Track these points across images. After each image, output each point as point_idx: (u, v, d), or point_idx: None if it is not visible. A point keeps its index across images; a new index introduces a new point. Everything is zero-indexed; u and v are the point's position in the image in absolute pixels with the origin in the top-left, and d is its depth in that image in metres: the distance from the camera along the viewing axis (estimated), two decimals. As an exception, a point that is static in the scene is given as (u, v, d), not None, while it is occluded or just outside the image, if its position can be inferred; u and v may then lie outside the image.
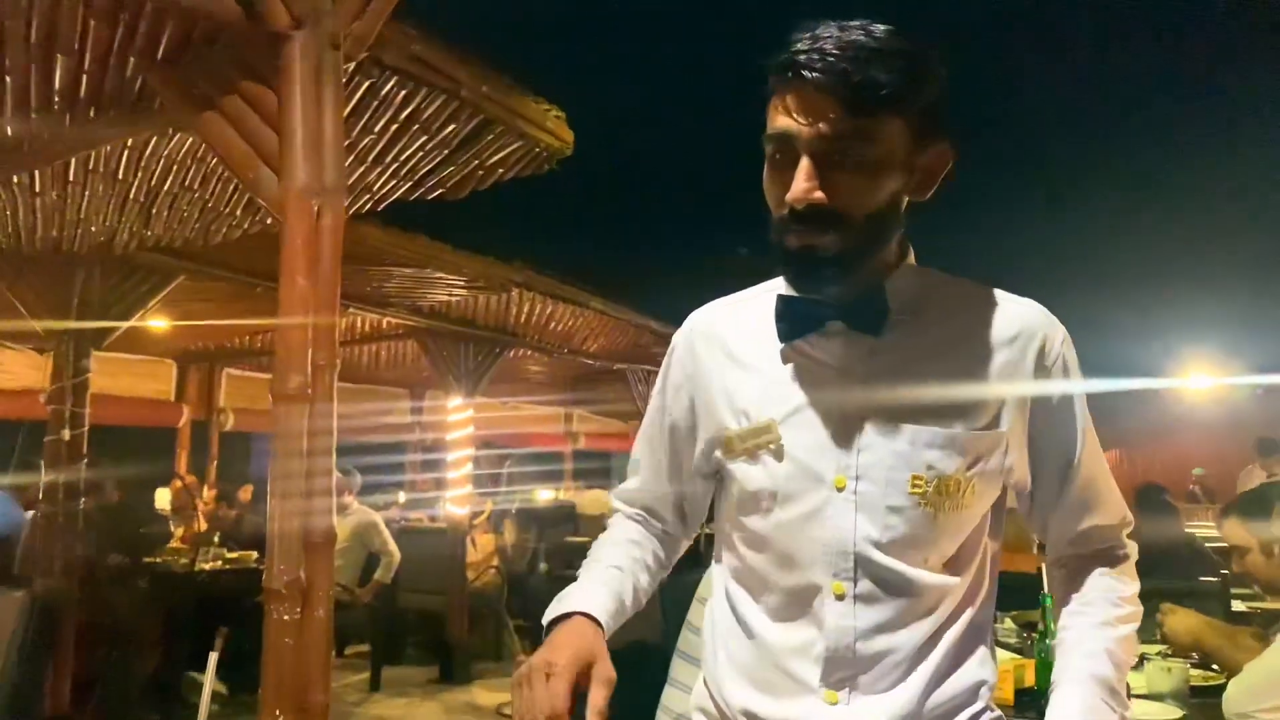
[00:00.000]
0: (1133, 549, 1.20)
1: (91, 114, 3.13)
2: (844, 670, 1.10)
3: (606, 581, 1.20)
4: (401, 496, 8.83)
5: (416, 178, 3.72)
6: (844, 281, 1.08)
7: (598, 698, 0.99)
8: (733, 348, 1.20)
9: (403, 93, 3.08)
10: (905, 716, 1.08)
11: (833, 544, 1.10)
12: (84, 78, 2.93)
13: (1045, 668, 2.24)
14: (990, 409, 1.10)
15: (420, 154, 3.53)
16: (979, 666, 1.12)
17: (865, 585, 1.10)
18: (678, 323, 1.32)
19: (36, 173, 3.77)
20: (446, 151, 3.51)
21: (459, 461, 7.14)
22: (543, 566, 7.79)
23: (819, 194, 1.03)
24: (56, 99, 3.03)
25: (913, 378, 1.10)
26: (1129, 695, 1.16)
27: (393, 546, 6.10)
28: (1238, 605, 3.68)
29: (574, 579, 1.25)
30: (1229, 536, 2.66)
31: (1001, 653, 2.40)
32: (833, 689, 1.10)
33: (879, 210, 1.06)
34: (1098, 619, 1.12)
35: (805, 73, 1.01)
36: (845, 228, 1.04)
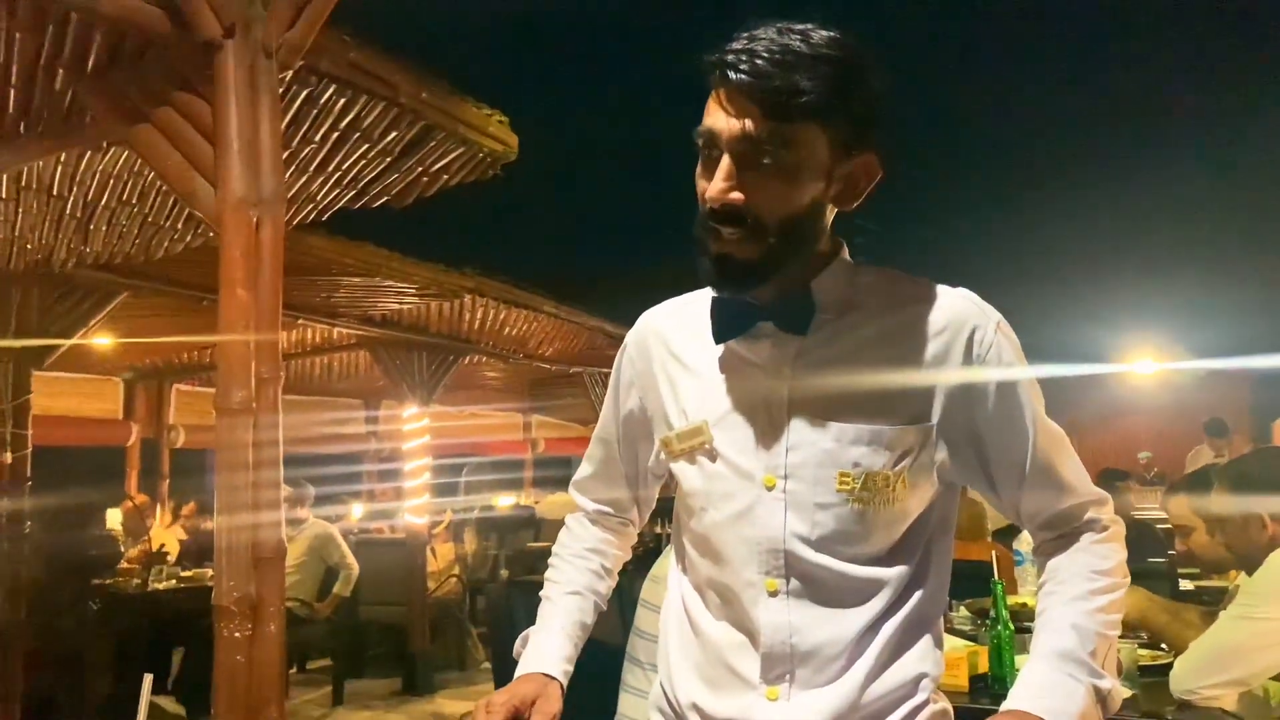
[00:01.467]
0: (1113, 521, 1.18)
1: (21, 130, 3.05)
2: (782, 666, 1.11)
3: (564, 620, 1.30)
4: (356, 508, 8.73)
5: (360, 186, 3.69)
6: (760, 286, 1.10)
7: None
8: (676, 348, 1.23)
9: (341, 100, 3.05)
10: (845, 710, 1.10)
11: (764, 542, 1.11)
12: (11, 93, 2.86)
13: (998, 654, 2.27)
14: (917, 403, 1.11)
15: (362, 162, 3.49)
16: (920, 659, 1.13)
17: (797, 582, 1.11)
18: (630, 324, 1.33)
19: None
20: (389, 159, 3.48)
21: (416, 471, 7.08)
22: (504, 573, 7.76)
23: (735, 194, 1.04)
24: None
25: (838, 376, 1.11)
26: (1115, 666, 1.14)
27: (351, 559, 6.02)
28: (1185, 584, 3.78)
29: (537, 585, 1.38)
30: (1174, 516, 2.71)
31: (955, 640, 2.43)
32: (772, 685, 1.11)
33: (795, 215, 1.06)
34: (1068, 595, 1.11)
35: (731, 73, 1.02)
36: (760, 230, 1.05)
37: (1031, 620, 1.20)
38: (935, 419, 1.10)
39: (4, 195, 3.75)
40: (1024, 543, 3.27)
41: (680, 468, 1.20)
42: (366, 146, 3.37)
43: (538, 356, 8.16)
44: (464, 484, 10.94)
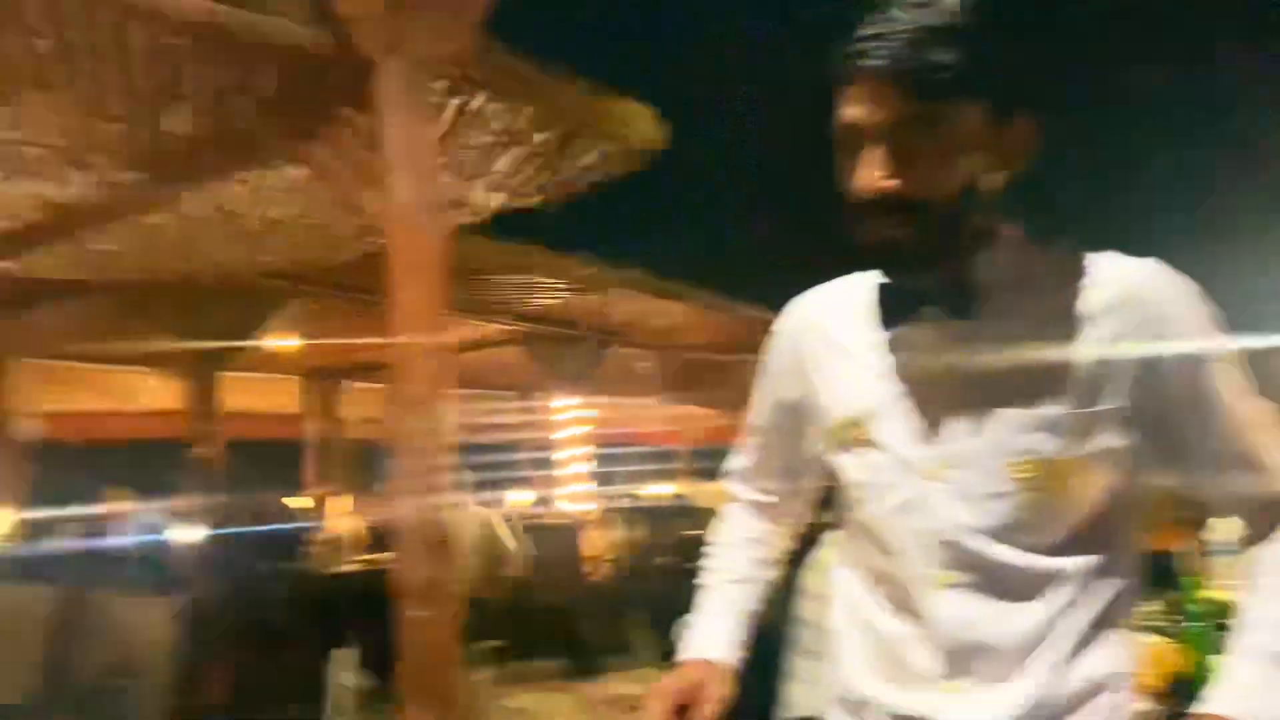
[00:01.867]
0: None
1: (202, 155, 3.29)
2: (959, 660, 1.07)
3: (729, 606, 1.29)
4: (518, 496, 9.02)
5: (514, 187, 3.80)
6: (927, 268, 1.06)
7: (702, 713, 1.15)
8: (834, 336, 1.19)
9: (494, 107, 3.14)
10: (1030, 707, 1.05)
11: (933, 534, 1.07)
12: (194, 123, 3.09)
13: (1194, 651, 2.14)
14: (1099, 385, 1.04)
15: (515, 164, 3.59)
16: (1110, 656, 1.07)
17: (971, 575, 1.07)
18: (780, 309, 1.30)
19: (156, 211, 4.00)
20: (541, 160, 3.56)
21: (571, 460, 7.26)
22: (661, 560, 7.85)
23: (888, 182, 1.01)
24: (170, 141, 3.20)
25: (1008, 359, 1.05)
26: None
27: (515, 544, 6.23)
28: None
29: (691, 571, 1.37)
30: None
31: (1146, 636, 2.31)
32: (951, 679, 1.07)
33: (953, 194, 1.02)
34: (1274, 589, 1.04)
35: (867, 60, 0.99)
36: (918, 214, 1.02)
37: (1229, 617, 1.12)
38: (1120, 401, 1.04)
39: (192, 214, 4.06)
40: (1219, 531, 3.06)
41: (841, 458, 1.16)
42: (519, 149, 3.46)
43: (687, 345, 8.19)
44: (618, 473, 11.12)
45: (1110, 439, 1.05)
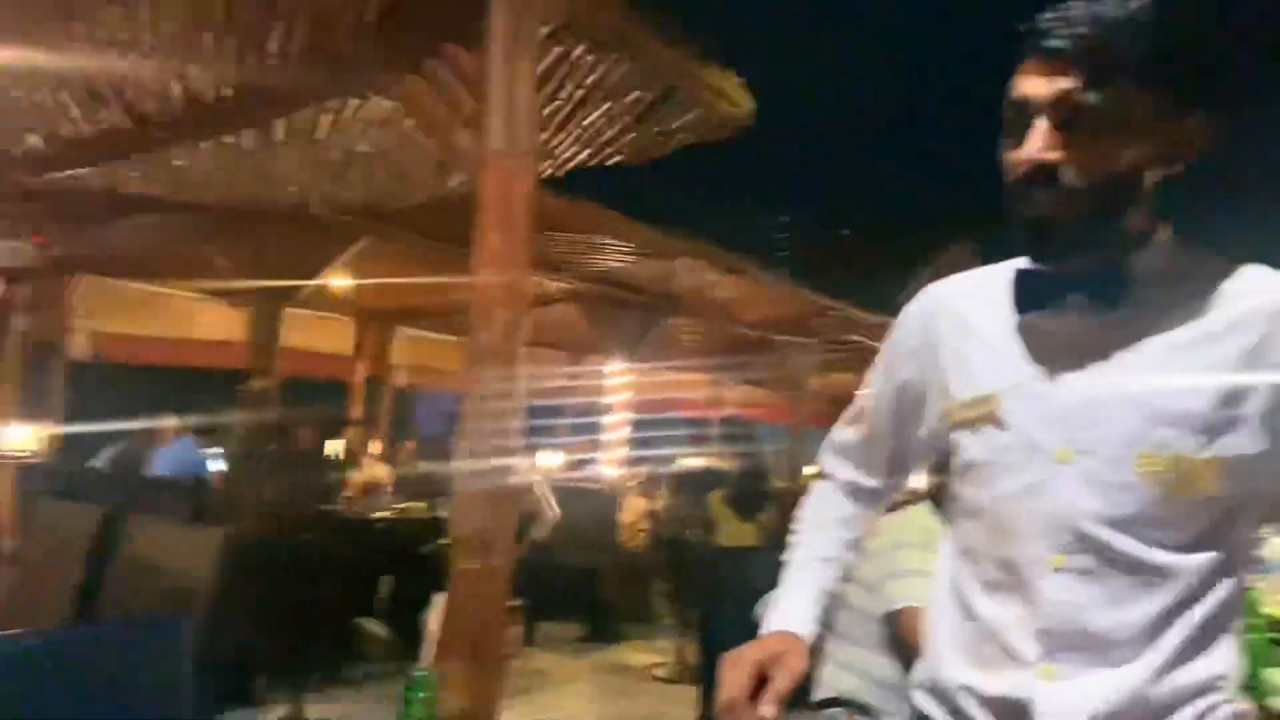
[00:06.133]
0: None
1: (300, 74, 3.27)
2: (1061, 646, 1.07)
3: (814, 585, 1.29)
4: (552, 457, 9.03)
5: (599, 143, 3.77)
6: (1077, 251, 1.06)
7: (780, 683, 1.12)
8: (969, 320, 1.19)
9: (591, 59, 3.10)
10: (1128, 698, 1.04)
11: (1055, 518, 1.07)
12: (294, 39, 3.06)
13: (1244, 662, 2.07)
14: (1233, 391, 1.03)
15: (604, 120, 3.57)
16: (1215, 657, 1.06)
17: (1086, 560, 1.06)
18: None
19: (242, 132, 3.99)
20: (629, 118, 3.54)
21: (614, 425, 7.25)
22: (692, 531, 7.84)
23: (1052, 154, 1.02)
24: (271, 59, 3.18)
25: (1149, 354, 1.05)
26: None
27: (550, 505, 6.22)
28: None
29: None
30: None
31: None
32: (1050, 664, 1.07)
33: (1113, 178, 1.02)
34: None
35: (1047, 40, 1.01)
36: (1076, 193, 1.02)
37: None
38: (1256, 408, 1.02)
39: (276, 138, 4.06)
40: (1274, 550, 2.97)
41: (963, 437, 1.16)
42: (610, 105, 3.43)
43: (742, 321, 8.13)
44: (656, 441, 11.09)
45: (1242, 444, 1.03)
